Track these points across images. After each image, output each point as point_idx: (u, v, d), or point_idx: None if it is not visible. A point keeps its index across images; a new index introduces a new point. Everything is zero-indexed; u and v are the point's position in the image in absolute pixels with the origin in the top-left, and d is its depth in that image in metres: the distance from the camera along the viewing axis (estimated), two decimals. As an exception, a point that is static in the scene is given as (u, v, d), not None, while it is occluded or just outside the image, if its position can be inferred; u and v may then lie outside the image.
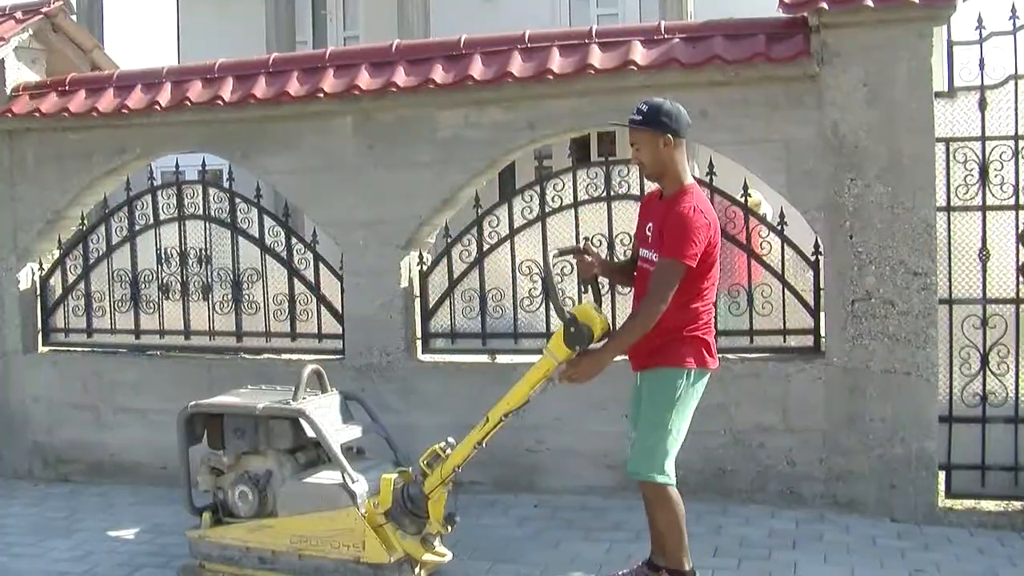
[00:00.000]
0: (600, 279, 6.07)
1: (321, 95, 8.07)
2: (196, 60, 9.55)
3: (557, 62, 7.59)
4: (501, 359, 8.04)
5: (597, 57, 7.52)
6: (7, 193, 9.31)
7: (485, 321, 8.11)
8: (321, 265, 8.46)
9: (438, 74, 7.83)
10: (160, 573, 6.74)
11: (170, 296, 9.00)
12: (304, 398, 6.32)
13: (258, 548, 6.21)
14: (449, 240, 8.18)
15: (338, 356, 8.37)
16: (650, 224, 5.76)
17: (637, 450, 5.80)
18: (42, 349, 9.42)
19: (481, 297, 8.10)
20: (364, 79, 8.02)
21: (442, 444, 5.97)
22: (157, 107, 8.56)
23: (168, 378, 8.68)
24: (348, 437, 6.36)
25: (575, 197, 7.88)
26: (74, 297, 9.35)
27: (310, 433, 6.19)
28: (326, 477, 6.20)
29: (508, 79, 7.63)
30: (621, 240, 7.75)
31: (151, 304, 9.07)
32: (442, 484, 5.88)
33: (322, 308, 8.48)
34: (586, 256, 5.91)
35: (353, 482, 6.01)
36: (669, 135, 5.61)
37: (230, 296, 8.76)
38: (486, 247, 8.09)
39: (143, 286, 9.08)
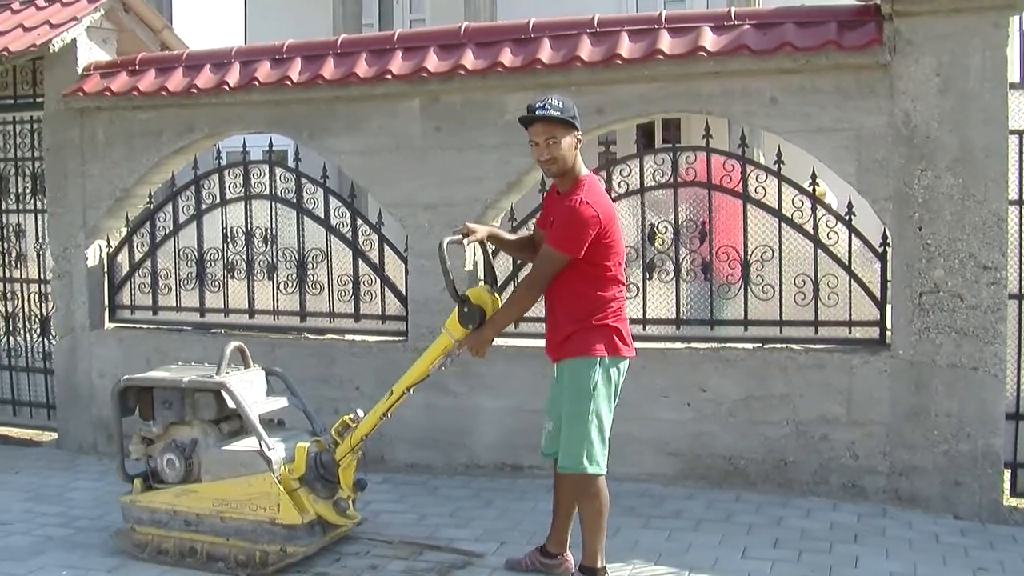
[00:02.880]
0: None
1: (389, 77, 8.09)
2: (263, 41, 9.58)
3: (626, 47, 7.55)
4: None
5: (666, 43, 7.48)
6: (77, 171, 9.42)
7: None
8: (386, 247, 8.48)
9: (506, 57, 7.82)
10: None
11: (235, 275, 9.08)
12: (227, 372, 6.69)
13: (184, 511, 6.62)
14: (514, 224, 8.17)
15: (401, 338, 8.40)
16: (552, 217, 5.91)
17: (564, 444, 5.85)
18: (108, 325, 9.54)
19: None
20: (432, 61, 8.03)
21: (351, 415, 6.38)
22: (226, 87, 8.62)
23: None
24: (267, 409, 6.79)
25: (642, 183, 7.85)
26: (140, 275, 9.45)
27: (232, 405, 6.58)
28: (246, 445, 6.59)
29: (577, 63, 7.60)
30: (687, 227, 7.70)
31: (216, 283, 9.15)
32: (351, 452, 6.35)
33: (386, 290, 8.50)
34: (468, 235, 6.13)
35: (269, 449, 6.41)
36: (579, 132, 5.80)
37: (295, 276, 8.81)
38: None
39: (208, 265, 9.16)
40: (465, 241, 6.14)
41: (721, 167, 7.66)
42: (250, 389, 6.72)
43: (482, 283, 6.33)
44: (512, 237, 6.55)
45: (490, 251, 6.85)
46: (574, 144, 5.76)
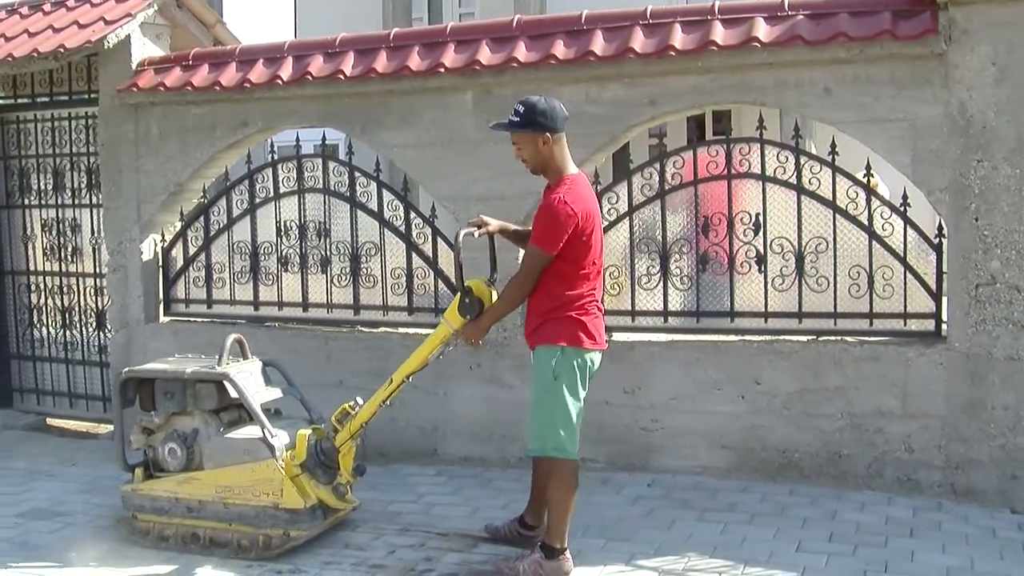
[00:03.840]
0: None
1: (442, 70, 8.11)
2: (313, 36, 9.62)
3: (679, 38, 7.53)
4: (617, 336, 8.00)
5: (720, 34, 7.45)
6: (132, 165, 9.49)
7: (602, 298, 8.06)
8: (439, 239, 8.48)
9: (559, 50, 7.81)
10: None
11: (289, 269, 9.11)
12: (227, 363, 6.89)
13: (187, 499, 6.84)
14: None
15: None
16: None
17: (529, 427, 6.20)
18: (163, 319, 9.61)
19: (598, 274, 8.07)
20: (485, 54, 8.04)
21: (351, 403, 6.57)
22: (279, 81, 8.66)
23: (286, 349, 8.77)
24: (267, 398, 6.99)
25: (695, 175, 7.82)
26: (195, 268, 9.52)
27: (233, 395, 6.81)
28: (248, 433, 6.83)
29: (630, 55, 7.59)
30: (741, 219, 7.68)
31: (270, 276, 9.18)
32: (351, 439, 6.55)
33: (439, 282, 8.50)
34: (481, 227, 6.41)
35: (272, 436, 6.63)
36: (547, 133, 6.00)
37: (348, 269, 8.83)
38: (606, 224, 8.05)
39: (262, 258, 9.20)
40: (476, 233, 6.37)
41: (775, 158, 7.64)
42: (250, 379, 6.93)
43: (482, 277, 6.50)
44: (522, 230, 6.64)
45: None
46: (540, 144, 6.02)
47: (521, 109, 6.04)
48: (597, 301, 6.18)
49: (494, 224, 6.47)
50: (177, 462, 6.90)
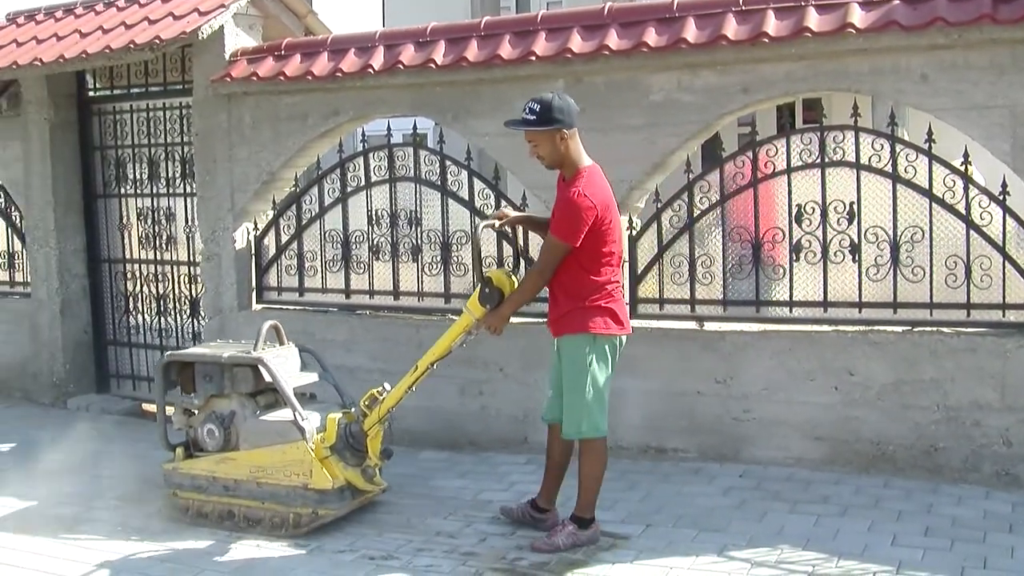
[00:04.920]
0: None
1: (533, 58, 8.09)
2: (402, 25, 9.65)
3: (772, 25, 7.44)
4: (709, 326, 7.97)
5: (814, 20, 7.35)
6: (225, 155, 9.59)
7: (694, 287, 8.04)
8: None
9: (651, 37, 7.76)
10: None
11: (380, 257, 9.15)
12: (263, 349, 7.15)
13: (223, 478, 7.11)
14: (659, 206, 8.12)
15: (544, 319, 8.37)
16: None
17: (566, 414, 6.42)
18: (256, 307, 9.70)
19: (690, 263, 8.02)
20: (576, 42, 8.00)
21: (379, 388, 6.81)
22: (370, 70, 8.70)
23: (377, 338, 8.83)
24: (301, 382, 7.26)
25: (788, 163, 7.74)
26: (287, 256, 9.60)
27: (268, 379, 7.06)
28: (281, 416, 7.04)
29: (722, 42, 7.51)
30: (835, 208, 7.58)
31: (361, 264, 9.23)
32: (379, 423, 6.79)
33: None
34: (501, 218, 6.78)
35: (303, 420, 6.86)
36: (563, 129, 6.25)
37: (439, 258, 8.86)
38: (696, 212, 8.01)
39: (354, 247, 9.25)
40: (496, 224, 6.76)
41: (870, 146, 7.53)
42: (285, 364, 7.19)
43: (503, 267, 6.81)
44: (545, 220, 6.73)
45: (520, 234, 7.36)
46: (557, 140, 6.26)
47: (536, 107, 6.25)
48: (619, 286, 6.45)
49: (514, 215, 6.80)
50: (215, 442, 7.19)
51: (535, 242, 7.45)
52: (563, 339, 6.42)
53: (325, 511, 6.85)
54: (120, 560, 6.61)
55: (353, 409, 7.00)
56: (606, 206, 6.24)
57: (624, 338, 6.48)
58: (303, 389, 7.29)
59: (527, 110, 6.29)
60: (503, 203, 8.52)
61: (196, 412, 7.34)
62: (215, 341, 7.87)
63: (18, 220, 11.24)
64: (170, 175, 10.38)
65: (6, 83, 10.75)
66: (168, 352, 7.66)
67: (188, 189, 10.19)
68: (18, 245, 11.33)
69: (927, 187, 7.38)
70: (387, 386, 6.83)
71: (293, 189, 9.63)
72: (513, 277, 6.57)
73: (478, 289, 6.51)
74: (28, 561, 6.63)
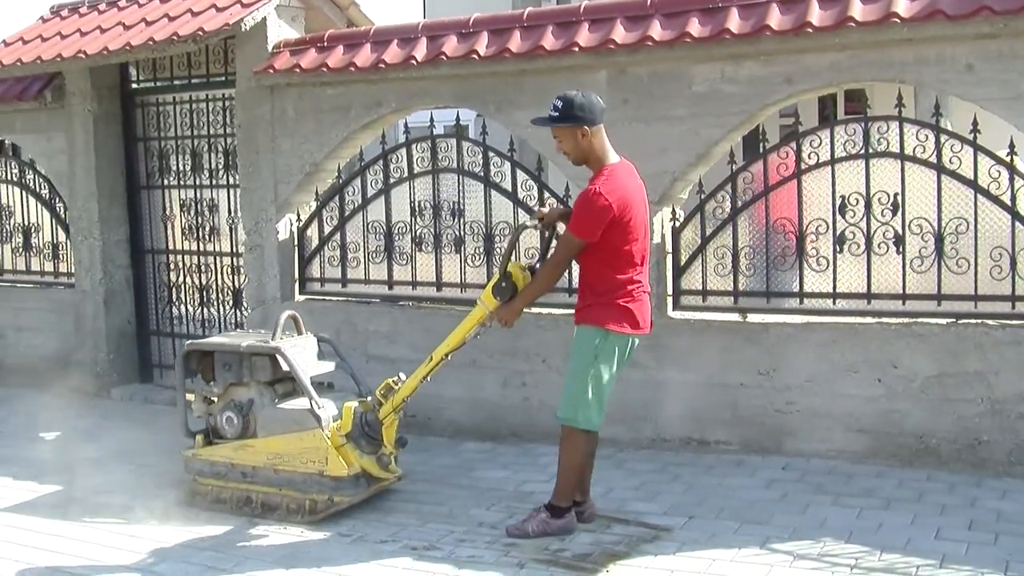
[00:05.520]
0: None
1: (576, 49, 8.08)
2: (443, 16, 9.65)
3: (816, 15, 7.40)
4: (752, 318, 7.94)
5: (858, 9, 7.30)
6: (268, 146, 9.62)
7: (737, 279, 8.02)
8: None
9: (694, 28, 7.73)
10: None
11: (422, 248, 9.17)
12: (281, 339, 7.25)
13: (241, 464, 7.26)
14: (702, 197, 8.10)
15: (586, 311, 8.39)
16: None
17: (562, 397, 6.54)
18: (299, 297, 9.72)
19: (734, 255, 8.00)
20: (619, 33, 7.99)
21: (394, 378, 6.97)
22: (413, 62, 8.71)
23: (419, 329, 8.84)
24: (318, 371, 7.38)
25: (832, 154, 7.70)
26: (330, 248, 9.62)
27: (285, 368, 7.15)
28: (298, 404, 7.17)
29: (766, 32, 7.48)
30: (879, 199, 7.54)
31: (404, 256, 9.25)
32: (394, 412, 6.94)
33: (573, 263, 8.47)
34: (540, 219, 6.76)
35: (319, 408, 6.99)
36: (585, 126, 6.31)
37: (482, 249, 8.86)
38: (740, 204, 7.98)
39: (396, 238, 9.27)
40: (536, 224, 6.77)
41: (914, 137, 7.49)
42: (303, 354, 7.29)
43: (520, 262, 7.01)
44: None
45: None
46: (580, 137, 6.33)
47: (560, 104, 6.33)
48: (644, 284, 6.49)
49: (553, 213, 6.76)
50: (233, 430, 7.34)
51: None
52: (578, 328, 6.50)
53: (340, 498, 6.98)
54: (162, 548, 6.66)
55: (369, 398, 7.10)
56: (626, 204, 6.27)
57: (637, 338, 6.55)
58: (320, 378, 7.42)
59: (552, 107, 6.37)
60: (546, 195, 8.53)
61: (216, 400, 7.50)
62: (234, 331, 7.94)
63: (62, 211, 11.31)
64: (213, 166, 10.44)
65: (50, 75, 10.82)
66: (188, 341, 7.81)
67: (231, 180, 10.25)
68: (62, 236, 11.41)
69: (972, 178, 7.32)
70: (402, 376, 6.96)
71: (336, 180, 9.66)
72: (527, 272, 6.68)
73: (493, 281, 6.67)
74: (69, 547, 6.71)
